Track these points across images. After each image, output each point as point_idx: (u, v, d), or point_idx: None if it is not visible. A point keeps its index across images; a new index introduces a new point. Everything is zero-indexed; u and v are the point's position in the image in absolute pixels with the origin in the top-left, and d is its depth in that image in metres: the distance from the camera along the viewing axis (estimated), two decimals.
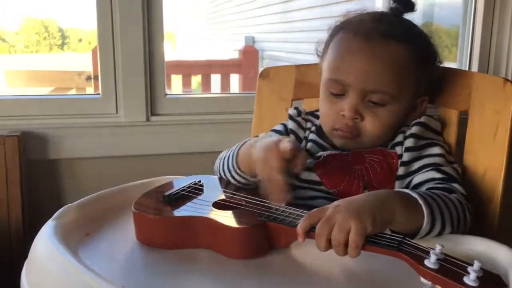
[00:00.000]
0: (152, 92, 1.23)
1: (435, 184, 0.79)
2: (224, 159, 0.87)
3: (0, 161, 1.05)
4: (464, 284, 0.52)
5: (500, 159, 0.85)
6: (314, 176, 0.85)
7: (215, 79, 3.97)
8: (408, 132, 0.85)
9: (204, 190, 0.77)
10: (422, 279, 0.57)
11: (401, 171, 0.83)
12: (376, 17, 0.85)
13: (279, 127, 0.94)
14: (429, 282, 0.56)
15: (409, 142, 0.84)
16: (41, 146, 1.17)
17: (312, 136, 0.90)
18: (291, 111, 0.95)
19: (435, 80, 0.90)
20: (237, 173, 0.82)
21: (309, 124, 0.93)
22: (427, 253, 0.57)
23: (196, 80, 4.18)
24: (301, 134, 0.93)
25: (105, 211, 0.78)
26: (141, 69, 1.19)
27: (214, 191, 0.77)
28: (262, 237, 0.66)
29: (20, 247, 1.08)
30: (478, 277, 0.52)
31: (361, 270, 0.65)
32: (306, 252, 0.67)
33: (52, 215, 0.72)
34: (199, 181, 0.79)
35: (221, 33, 5.72)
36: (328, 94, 0.85)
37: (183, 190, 0.75)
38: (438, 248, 0.56)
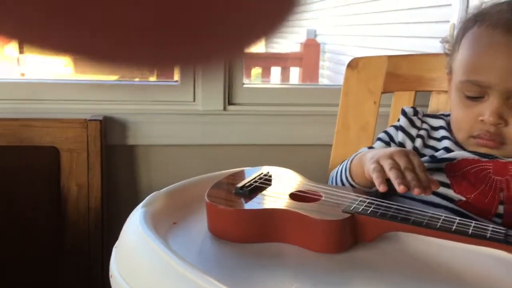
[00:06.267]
0: (230, 81, 1.20)
1: None
2: (337, 173, 0.83)
3: (82, 145, 1.05)
4: None
5: None
6: (443, 177, 0.78)
7: (276, 71, 3.94)
8: None
9: (274, 181, 0.74)
10: None
11: None
12: None
13: (383, 136, 0.89)
14: None
15: None
16: (120, 132, 1.17)
17: (446, 142, 0.83)
18: (407, 109, 0.89)
19: None
20: (351, 185, 0.79)
21: (425, 125, 0.87)
22: None
23: (255, 72, 4.16)
24: (413, 132, 0.86)
25: (192, 200, 0.75)
26: None
27: (284, 182, 0.74)
28: (349, 230, 0.63)
29: (98, 233, 1.08)
30: None
31: (455, 269, 0.60)
32: (394, 246, 0.64)
33: (129, 198, 0.71)
34: (268, 172, 0.76)
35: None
36: (463, 97, 0.77)
37: (254, 181, 0.72)
38: None
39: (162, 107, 1.19)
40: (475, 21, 0.78)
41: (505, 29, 0.73)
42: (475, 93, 0.76)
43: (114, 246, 0.68)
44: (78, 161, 1.06)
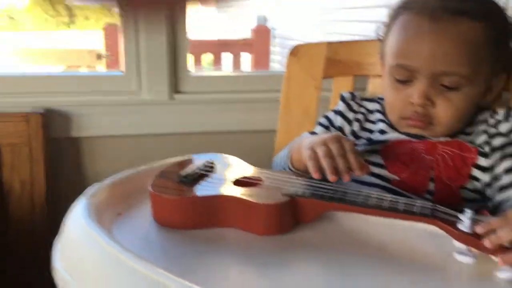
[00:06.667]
0: (176, 70, 1.20)
1: None
2: (279, 159, 0.85)
3: (24, 139, 1.03)
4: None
5: None
6: (378, 159, 0.81)
7: (226, 58, 3.92)
8: (496, 123, 0.80)
9: (218, 169, 0.75)
10: (456, 243, 0.58)
11: (483, 162, 0.77)
12: None
13: (323, 121, 0.92)
14: (465, 246, 0.58)
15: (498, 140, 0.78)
16: (63, 124, 1.15)
17: (381, 125, 0.86)
18: (345, 94, 0.92)
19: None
20: (291, 171, 0.81)
21: (362, 109, 0.90)
22: (457, 217, 0.59)
23: (206, 59, 4.13)
24: (351, 116, 0.90)
25: (136, 190, 0.75)
26: (164, 46, 1.16)
27: (228, 169, 0.76)
28: (289, 212, 0.65)
29: (44, 227, 1.06)
30: None
31: (387, 243, 0.64)
32: (332, 225, 0.67)
33: (75, 193, 0.70)
34: (212, 160, 0.77)
35: (233, 12, 5.65)
36: (393, 80, 0.81)
37: (199, 169, 0.73)
38: (469, 212, 0.58)
39: (106, 97, 1.18)
40: (403, 8, 0.81)
41: (430, 16, 0.76)
42: (404, 77, 0.79)
43: (56, 240, 0.67)
44: (20, 156, 1.04)
